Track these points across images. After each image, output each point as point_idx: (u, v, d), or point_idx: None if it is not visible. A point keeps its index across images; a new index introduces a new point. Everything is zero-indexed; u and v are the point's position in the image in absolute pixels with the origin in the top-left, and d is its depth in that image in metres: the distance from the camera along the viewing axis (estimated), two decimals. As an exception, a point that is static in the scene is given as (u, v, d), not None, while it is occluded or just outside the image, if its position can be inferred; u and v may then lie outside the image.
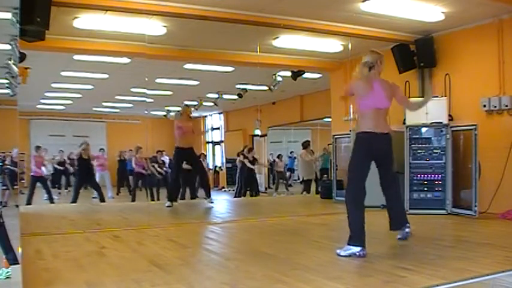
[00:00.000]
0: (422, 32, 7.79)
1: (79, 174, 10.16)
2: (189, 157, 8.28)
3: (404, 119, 7.34)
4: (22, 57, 6.80)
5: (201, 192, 9.09)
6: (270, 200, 11.89)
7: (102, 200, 10.13)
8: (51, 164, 11.51)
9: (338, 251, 4.14)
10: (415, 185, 7.09)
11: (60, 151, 12.28)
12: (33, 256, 4.28)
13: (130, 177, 12.53)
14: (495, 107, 6.88)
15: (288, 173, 14.20)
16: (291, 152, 14.20)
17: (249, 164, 11.46)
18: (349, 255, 4.06)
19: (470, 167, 6.67)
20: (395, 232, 4.66)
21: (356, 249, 4.06)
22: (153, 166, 12.11)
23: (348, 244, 4.12)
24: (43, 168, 10.94)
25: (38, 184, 10.50)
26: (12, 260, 5.52)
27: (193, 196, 10.35)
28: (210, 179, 13.60)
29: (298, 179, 12.73)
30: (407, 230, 4.42)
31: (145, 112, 11.70)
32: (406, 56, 8.05)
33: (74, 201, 9.60)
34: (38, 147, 11.03)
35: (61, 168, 12.39)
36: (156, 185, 12.02)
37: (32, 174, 10.62)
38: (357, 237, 4.10)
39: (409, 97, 7.96)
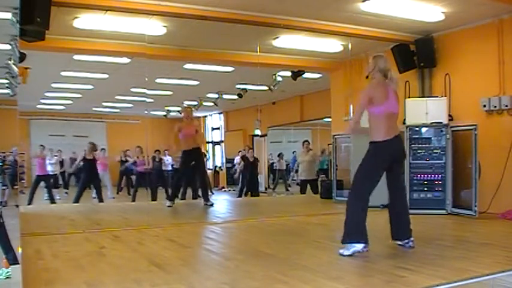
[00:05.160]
0: (422, 32, 7.78)
1: (85, 174, 10.14)
2: (196, 157, 8.23)
3: (404, 119, 7.34)
4: (22, 57, 6.80)
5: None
6: (270, 200, 11.90)
7: (101, 200, 10.14)
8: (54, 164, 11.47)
9: (341, 251, 4.13)
10: (415, 185, 7.08)
11: (58, 151, 12.27)
12: (33, 256, 4.27)
13: (132, 177, 12.55)
14: (495, 107, 6.87)
15: (291, 173, 14.19)
16: (293, 152, 14.16)
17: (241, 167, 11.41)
18: (352, 253, 4.06)
19: (470, 167, 6.67)
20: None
21: (359, 246, 4.07)
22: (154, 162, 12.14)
23: (350, 242, 4.11)
24: (49, 167, 10.97)
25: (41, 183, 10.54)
26: (12, 260, 5.54)
27: (194, 196, 10.35)
28: (210, 181, 13.66)
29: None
30: (410, 243, 4.40)
31: (145, 112, 11.71)
32: (406, 56, 8.04)
33: (77, 201, 9.61)
34: (41, 147, 11.07)
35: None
36: (156, 185, 12.03)
37: (36, 173, 10.65)
38: (358, 233, 4.09)
39: (409, 97, 7.98)
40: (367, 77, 4.49)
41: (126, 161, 13.27)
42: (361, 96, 4.34)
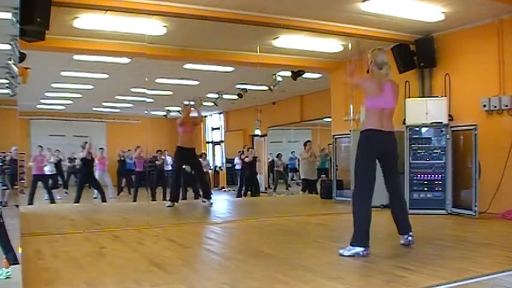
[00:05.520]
0: (422, 32, 7.78)
1: (81, 174, 10.16)
2: (189, 157, 8.26)
3: (404, 119, 7.34)
4: (22, 57, 6.80)
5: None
6: (270, 200, 11.89)
7: (104, 199, 10.16)
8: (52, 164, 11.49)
9: (341, 251, 4.14)
10: (415, 185, 7.08)
11: (56, 151, 12.27)
12: (33, 256, 4.27)
13: (132, 177, 12.55)
14: (495, 107, 6.87)
15: (290, 174, 14.19)
16: (292, 152, 14.20)
17: (245, 158, 11.40)
18: (353, 255, 4.07)
19: (470, 167, 6.67)
20: (396, 233, 4.66)
21: (360, 249, 4.08)
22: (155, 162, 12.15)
23: (352, 244, 4.12)
24: (46, 167, 10.99)
25: (39, 183, 10.54)
26: (12, 260, 5.53)
27: (196, 196, 10.35)
28: (209, 180, 13.66)
29: (299, 178, 12.71)
30: (409, 238, 4.49)
31: (145, 112, 11.71)
32: (406, 56, 8.05)
33: (77, 201, 9.63)
34: (40, 147, 11.10)
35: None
36: (156, 185, 12.03)
37: (33, 173, 10.66)
38: (362, 237, 4.12)
39: (409, 97, 7.98)
40: (367, 71, 4.57)
41: (124, 160, 13.28)
42: (361, 79, 4.61)
